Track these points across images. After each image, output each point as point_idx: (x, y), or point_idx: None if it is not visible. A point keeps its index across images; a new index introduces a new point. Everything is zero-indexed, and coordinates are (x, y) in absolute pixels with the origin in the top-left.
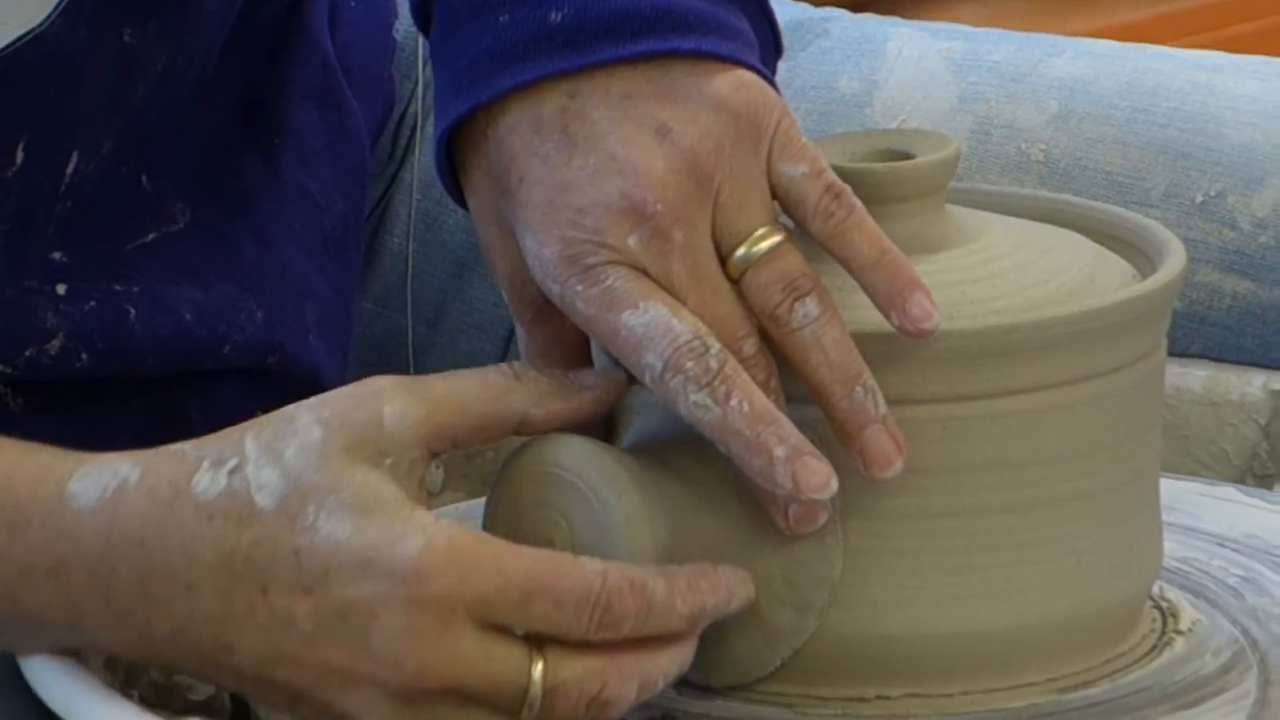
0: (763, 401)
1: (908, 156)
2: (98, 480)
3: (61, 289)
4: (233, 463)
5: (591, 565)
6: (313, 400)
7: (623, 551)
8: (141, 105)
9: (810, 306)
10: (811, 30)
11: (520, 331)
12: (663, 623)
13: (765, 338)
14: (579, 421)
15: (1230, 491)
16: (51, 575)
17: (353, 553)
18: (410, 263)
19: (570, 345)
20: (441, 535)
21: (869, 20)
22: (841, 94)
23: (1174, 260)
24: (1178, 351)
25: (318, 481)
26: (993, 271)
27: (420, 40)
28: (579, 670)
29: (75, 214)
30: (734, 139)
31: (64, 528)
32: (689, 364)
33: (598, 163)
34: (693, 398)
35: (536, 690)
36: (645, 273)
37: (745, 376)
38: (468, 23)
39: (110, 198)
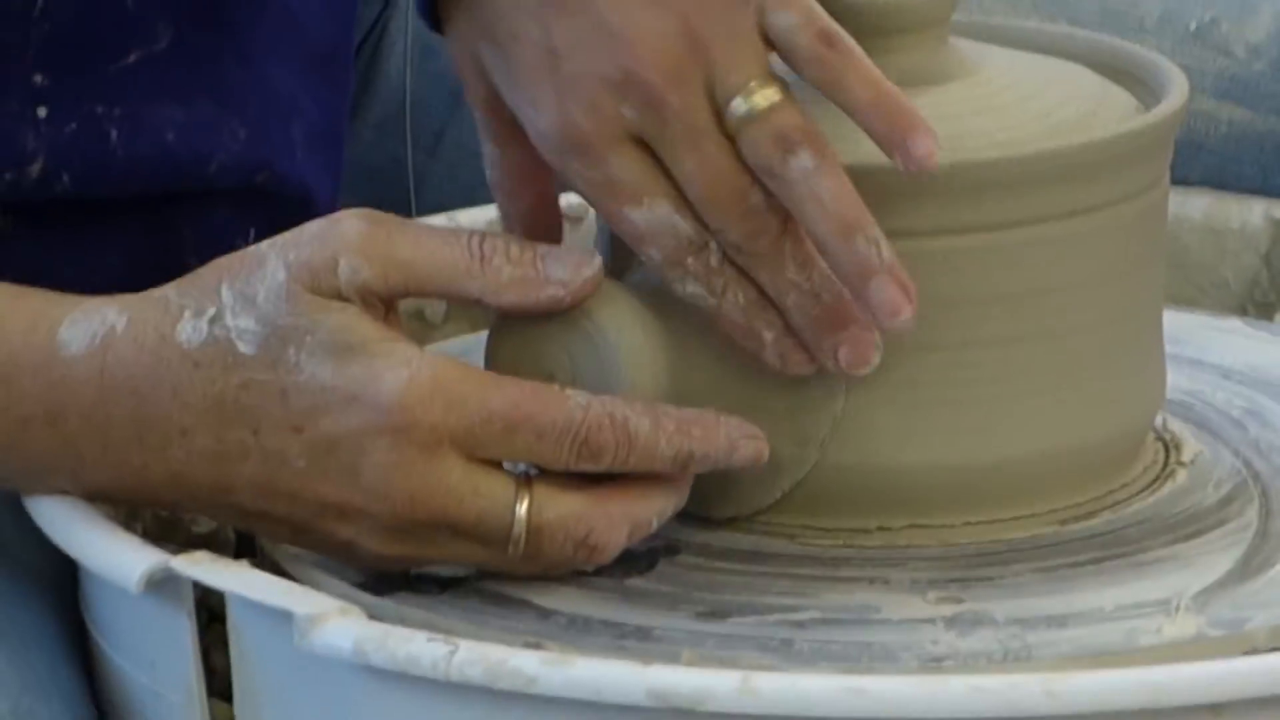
0: (755, 293)
1: None
2: (86, 327)
3: (42, 112)
4: (211, 311)
5: (576, 398)
6: (283, 238)
7: (624, 387)
8: None
9: (804, 159)
10: None
11: (493, 151)
12: (645, 460)
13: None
14: (536, 314)
15: (1235, 324)
16: (49, 423)
17: (338, 389)
18: (408, 91)
19: (545, 166)
20: (425, 369)
21: None
22: None
23: (1176, 92)
24: (1177, 180)
25: (292, 323)
26: (995, 104)
27: None
28: (564, 511)
29: (55, 36)
30: None
31: (56, 377)
32: (690, 259)
33: (588, 29)
34: (690, 288)
35: (520, 527)
36: (641, 139)
37: (739, 274)
38: None
39: (92, 18)
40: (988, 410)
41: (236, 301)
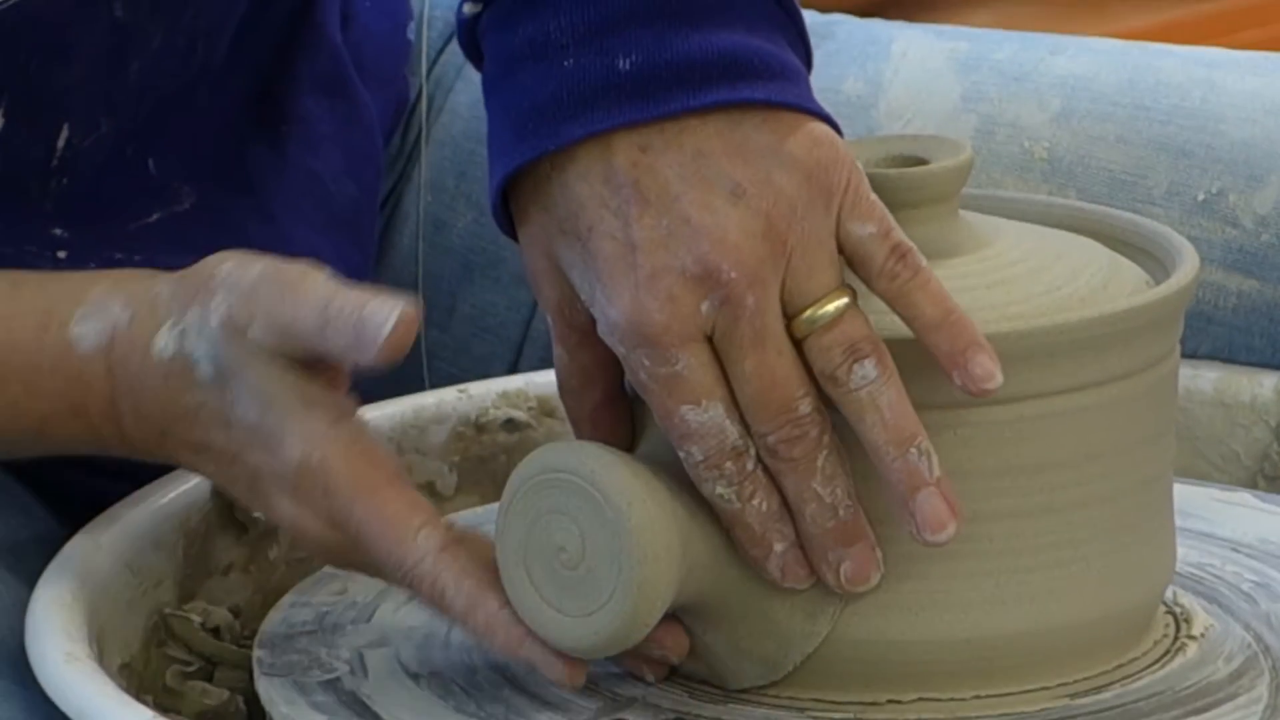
0: (778, 502)
1: (921, 162)
2: (96, 324)
3: (62, 254)
4: (180, 327)
5: (424, 545)
6: (234, 270)
7: (635, 557)
8: (138, 84)
9: (868, 369)
10: (816, 33)
11: (561, 353)
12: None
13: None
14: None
15: (1245, 497)
16: (73, 415)
17: (257, 434)
18: (420, 264)
19: (612, 367)
20: (316, 453)
21: (874, 23)
22: (847, 96)
23: (1187, 266)
24: (1187, 352)
25: (230, 362)
26: (1006, 277)
27: (425, 42)
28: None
29: (74, 192)
30: (806, 200)
31: (74, 373)
32: (728, 464)
33: (671, 225)
34: (719, 490)
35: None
36: (709, 337)
37: (768, 481)
38: (529, 64)
39: (114, 179)
40: (998, 583)
41: (196, 325)
